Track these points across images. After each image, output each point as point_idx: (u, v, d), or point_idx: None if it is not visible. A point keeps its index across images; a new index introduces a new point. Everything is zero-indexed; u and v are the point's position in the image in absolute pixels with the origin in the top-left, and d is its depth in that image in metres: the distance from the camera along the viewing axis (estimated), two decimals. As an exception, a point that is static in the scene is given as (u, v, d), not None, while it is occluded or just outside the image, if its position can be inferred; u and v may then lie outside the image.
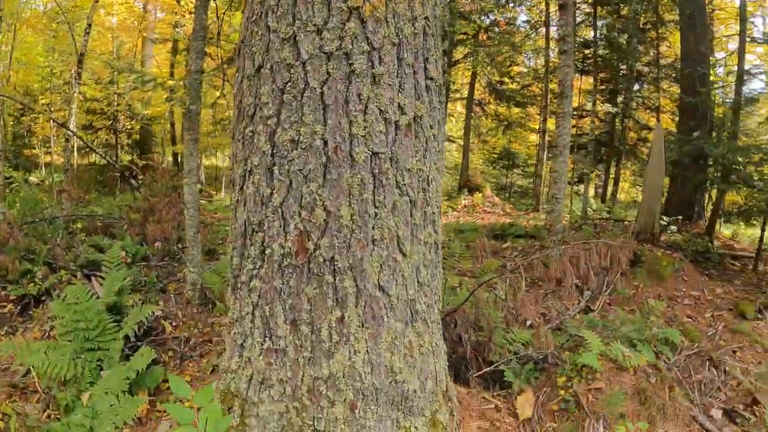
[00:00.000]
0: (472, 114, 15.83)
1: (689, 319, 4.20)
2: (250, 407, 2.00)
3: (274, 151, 1.89)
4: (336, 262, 1.86)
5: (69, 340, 2.60)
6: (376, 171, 1.87)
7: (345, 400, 1.91)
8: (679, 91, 8.87)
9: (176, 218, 4.89)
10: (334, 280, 1.87)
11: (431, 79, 2.06)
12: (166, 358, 2.93)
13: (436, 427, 2.11)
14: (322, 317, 1.89)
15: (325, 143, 1.83)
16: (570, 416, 2.49)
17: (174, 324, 3.55)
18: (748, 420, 2.79)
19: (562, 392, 2.61)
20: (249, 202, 1.98)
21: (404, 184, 1.94)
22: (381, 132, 1.86)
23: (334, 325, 1.89)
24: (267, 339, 1.96)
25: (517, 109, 16.01)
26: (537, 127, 15.11)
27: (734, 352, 3.46)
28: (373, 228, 1.88)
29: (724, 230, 7.60)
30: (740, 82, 6.03)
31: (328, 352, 1.90)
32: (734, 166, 5.24)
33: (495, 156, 18.15)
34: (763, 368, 3.27)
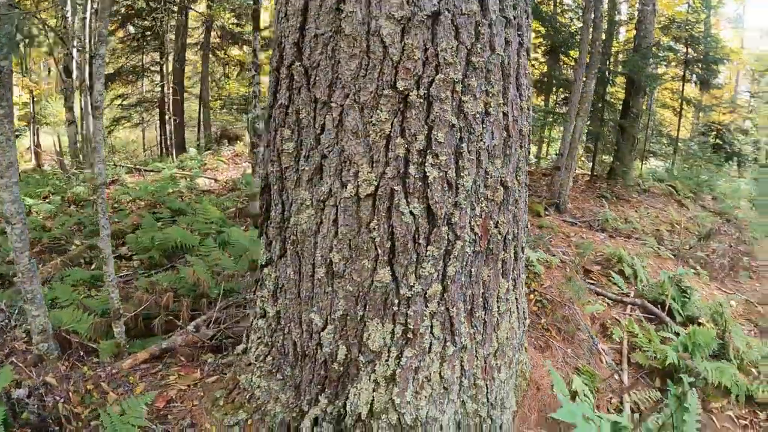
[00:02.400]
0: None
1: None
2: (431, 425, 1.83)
3: (462, 124, 1.64)
4: (508, 236, 1.89)
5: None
6: (525, 142, 1.94)
7: (506, 359, 2.07)
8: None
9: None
10: (505, 252, 1.91)
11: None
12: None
13: (526, 353, 2.53)
14: (494, 294, 1.92)
15: (505, 116, 1.75)
16: (547, 310, 3.39)
17: (61, 400, 2.10)
18: (595, 284, 4.45)
19: (531, 296, 3.47)
20: (429, 189, 1.64)
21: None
22: (528, 108, 1.92)
23: (502, 296, 1.96)
24: (448, 344, 1.81)
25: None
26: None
27: (550, 241, 5.27)
28: (519, 193, 1.98)
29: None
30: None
31: (496, 325, 1.96)
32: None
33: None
34: (575, 248, 5.16)
